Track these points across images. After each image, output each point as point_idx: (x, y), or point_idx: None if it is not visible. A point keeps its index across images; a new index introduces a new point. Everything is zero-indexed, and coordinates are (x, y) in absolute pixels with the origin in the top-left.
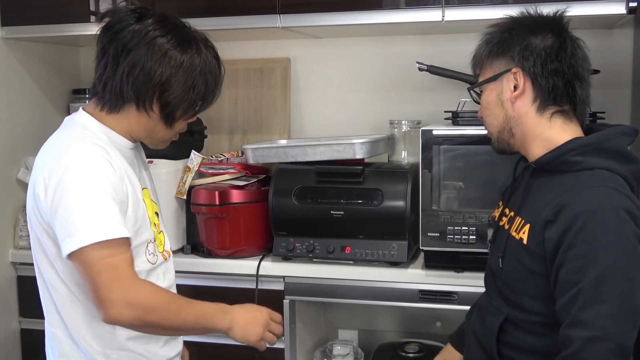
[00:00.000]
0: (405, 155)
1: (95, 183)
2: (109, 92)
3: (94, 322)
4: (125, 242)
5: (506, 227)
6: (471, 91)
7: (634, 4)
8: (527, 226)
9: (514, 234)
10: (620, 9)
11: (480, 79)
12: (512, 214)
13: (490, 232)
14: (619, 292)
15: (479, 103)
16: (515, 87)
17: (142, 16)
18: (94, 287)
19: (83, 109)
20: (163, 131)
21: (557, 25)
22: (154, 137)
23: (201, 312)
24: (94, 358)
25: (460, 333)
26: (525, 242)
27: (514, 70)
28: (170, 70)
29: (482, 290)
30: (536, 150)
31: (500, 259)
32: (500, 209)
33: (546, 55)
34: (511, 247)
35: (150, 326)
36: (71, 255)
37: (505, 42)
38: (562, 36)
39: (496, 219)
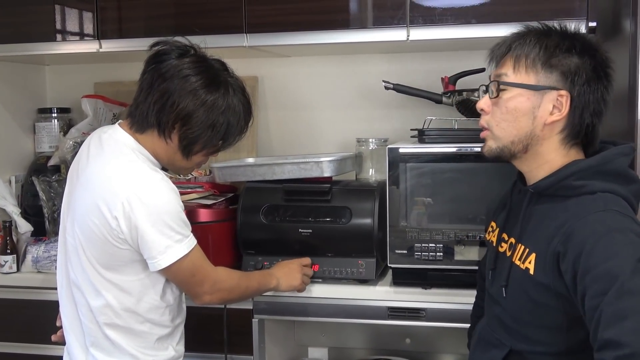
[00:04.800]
0: (373, 173)
1: (172, 203)
2: (138, 114)
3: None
4: (197, 245)
5: (508, 253)
6: (490, 84)
7: (594, 24)
8: (533, 255)
9: (517, 262)
10: (580, 29)
11: (506, 74)
12: (512, 240)
13: (457, 249)
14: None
15: (484, 95)
16: (555, 109)
17: (184, 53)
18: (189, 285)
19: (119, 125)
20: (181, 161)
21: (593, 50)
22: (174, 165)
23: (258, 280)
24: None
25: None
26: (531, 272)
27: (562, 92)
28: (194, 106)
29: (450, 306)
30: (539, 173)
31: (503, 288)
32: (496, 232)
33: (593, 88)
34: (515, 276)
35: (231, 300)
36: (167, 267)
37: (560, 54)
38: (602, 68)
39: (494, 244)
